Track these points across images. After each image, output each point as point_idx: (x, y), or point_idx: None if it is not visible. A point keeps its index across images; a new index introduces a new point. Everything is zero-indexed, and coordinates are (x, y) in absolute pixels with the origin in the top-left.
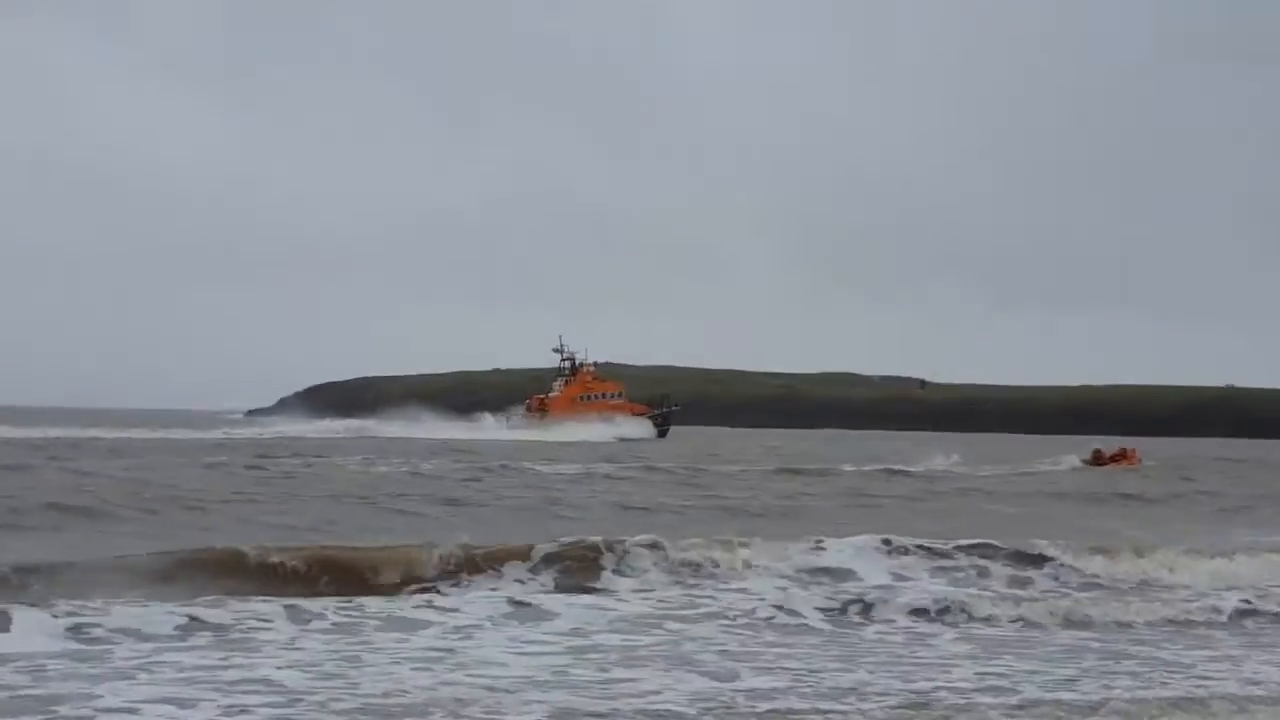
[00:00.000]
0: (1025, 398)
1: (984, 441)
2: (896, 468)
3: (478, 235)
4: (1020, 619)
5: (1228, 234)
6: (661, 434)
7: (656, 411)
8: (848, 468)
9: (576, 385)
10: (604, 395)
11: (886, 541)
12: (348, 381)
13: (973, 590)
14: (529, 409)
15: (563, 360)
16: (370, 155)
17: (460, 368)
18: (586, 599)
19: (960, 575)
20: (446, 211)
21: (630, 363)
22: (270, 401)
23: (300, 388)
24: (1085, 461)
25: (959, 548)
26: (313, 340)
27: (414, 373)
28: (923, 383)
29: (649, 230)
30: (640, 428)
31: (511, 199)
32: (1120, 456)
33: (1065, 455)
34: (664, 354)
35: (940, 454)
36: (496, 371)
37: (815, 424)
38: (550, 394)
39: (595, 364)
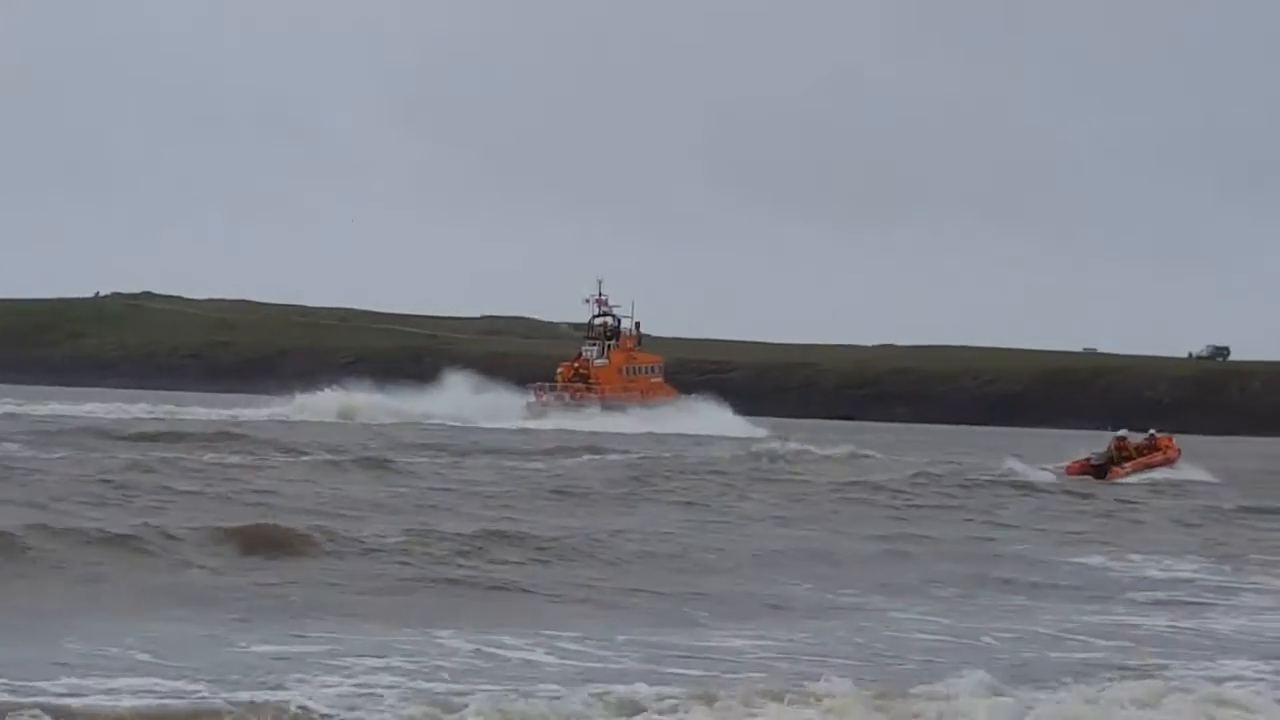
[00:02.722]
0: (769, 363)
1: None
2: None
3: None
4: None
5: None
6: None
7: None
8: None
9: (620, 354)
10: (644, 370)
11: None
12: None
13: None
14: (562, 383)
15: (598, 315)
16: None
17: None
18: None
19: None
20: None
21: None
22: None
23: None
24: (1086, 467)
25: None
26: None
27: None
28: None
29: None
30: (726, 419)
31: None
32: (1152, 447)
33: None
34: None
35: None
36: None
37: None
38: (590, 362)
39: (638, 326)
